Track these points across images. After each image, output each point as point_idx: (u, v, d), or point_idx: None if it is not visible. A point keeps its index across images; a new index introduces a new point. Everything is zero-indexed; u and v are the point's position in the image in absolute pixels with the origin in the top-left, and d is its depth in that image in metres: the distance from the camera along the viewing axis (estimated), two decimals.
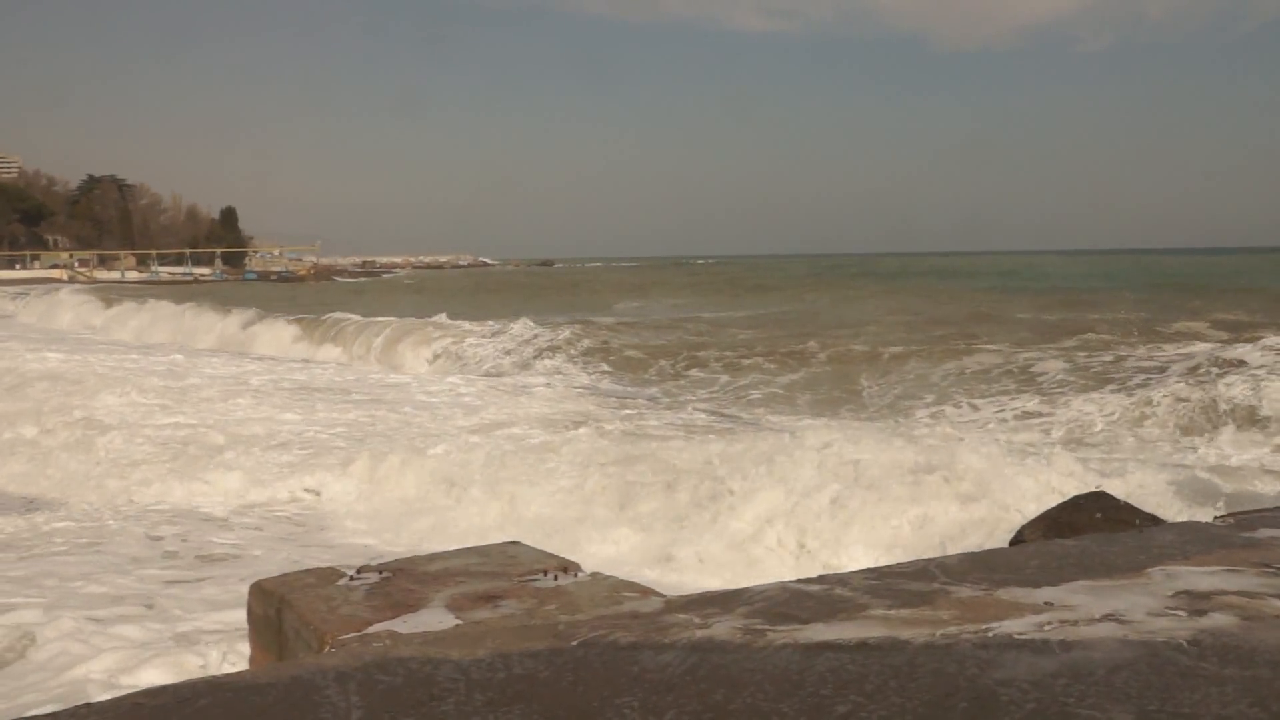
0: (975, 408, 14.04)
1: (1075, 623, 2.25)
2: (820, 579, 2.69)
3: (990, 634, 2.19)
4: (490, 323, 24.94)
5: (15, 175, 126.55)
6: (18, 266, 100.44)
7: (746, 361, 19.08)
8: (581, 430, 11.75)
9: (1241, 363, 14.26)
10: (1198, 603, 2.39)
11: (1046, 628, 2.22)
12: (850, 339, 21.46)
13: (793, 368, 18.34)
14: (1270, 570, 2.64)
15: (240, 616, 3.35)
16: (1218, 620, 2.26)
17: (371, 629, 2.36)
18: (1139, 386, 14.14)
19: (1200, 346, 17.52)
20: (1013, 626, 2.23)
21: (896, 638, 2.18)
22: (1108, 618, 2.28)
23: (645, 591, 2.73)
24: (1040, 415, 13.34)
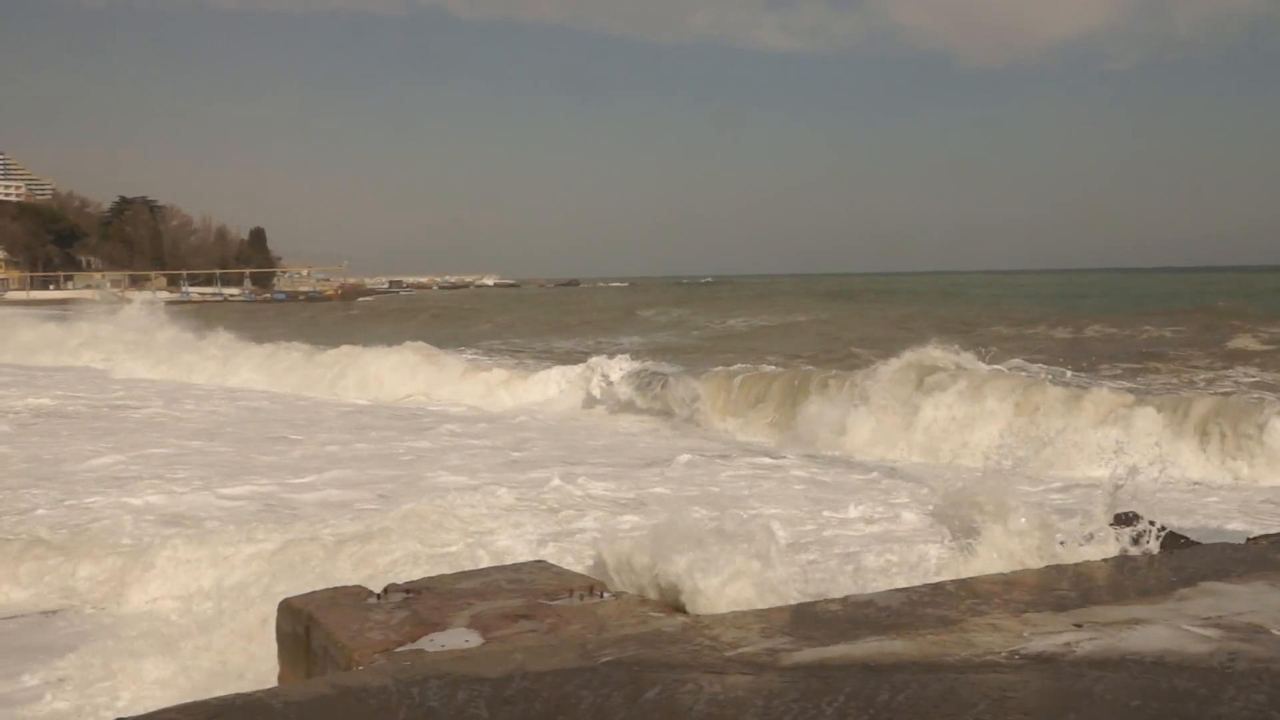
0: None
1: (1104, 642, 2.22)
2: (844, 599, 2.68)
3: (1017, 654, 2.17)
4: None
5: (49, 197, 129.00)
6: (51, 287, 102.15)
7: None
8: None
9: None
10: (1239, 621, 2.35)
11: (1075, 647, 2.20)
12: None
13: None
14: None
15: None
16: (1251, 644, 2.23)
17: (399, 648, 2.37)
18: None
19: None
20: (1040, 645, 2.21)
21: (921, 657, 2.16)
22: (1139, 638, 2.25)
23: (670, 611, 2.73)
24: None
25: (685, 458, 10.26)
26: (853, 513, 7.57)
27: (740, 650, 2.24)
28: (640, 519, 6.89)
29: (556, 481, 8.53)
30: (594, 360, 16.44)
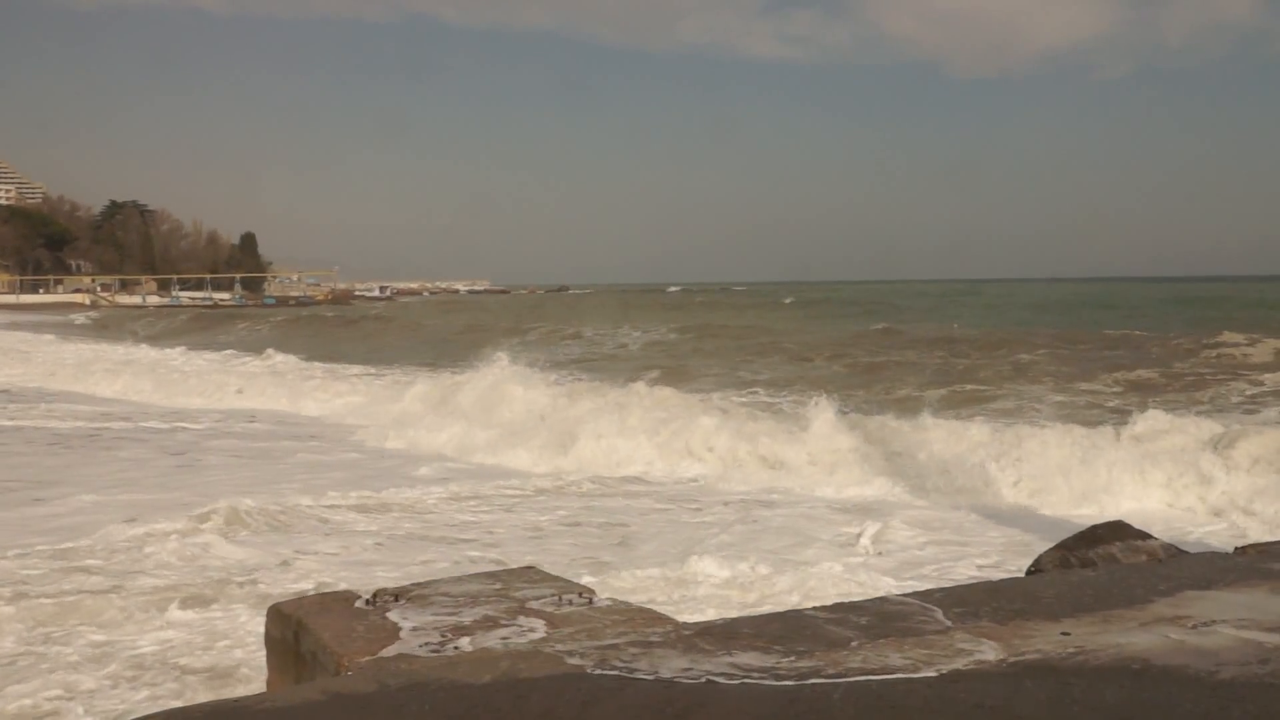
0: None
1: (1093, 652, 2.23)
2: (833, 607, 2.69)
3: (1008, 664, 2.18)
4: None
5: (40, 201, 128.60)
6: (41, 291, 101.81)
7: None
8: None
9: None
10: (1227, 630, 2.37)
11: (1064, 654, 2.21)
12: None
13: None
14: None
15: None
16: (1238, 654, 2.24)
17: (387, 652, 2.37)
18: None
19: None
20: (1029, 653, 2.21)
21: (912, 665, 2.17)
22: (1124, 649, 2.27)
23: (661, 619, 2.73)
24: None
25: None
26: None
27: (731, 658, 2.24)
28: None
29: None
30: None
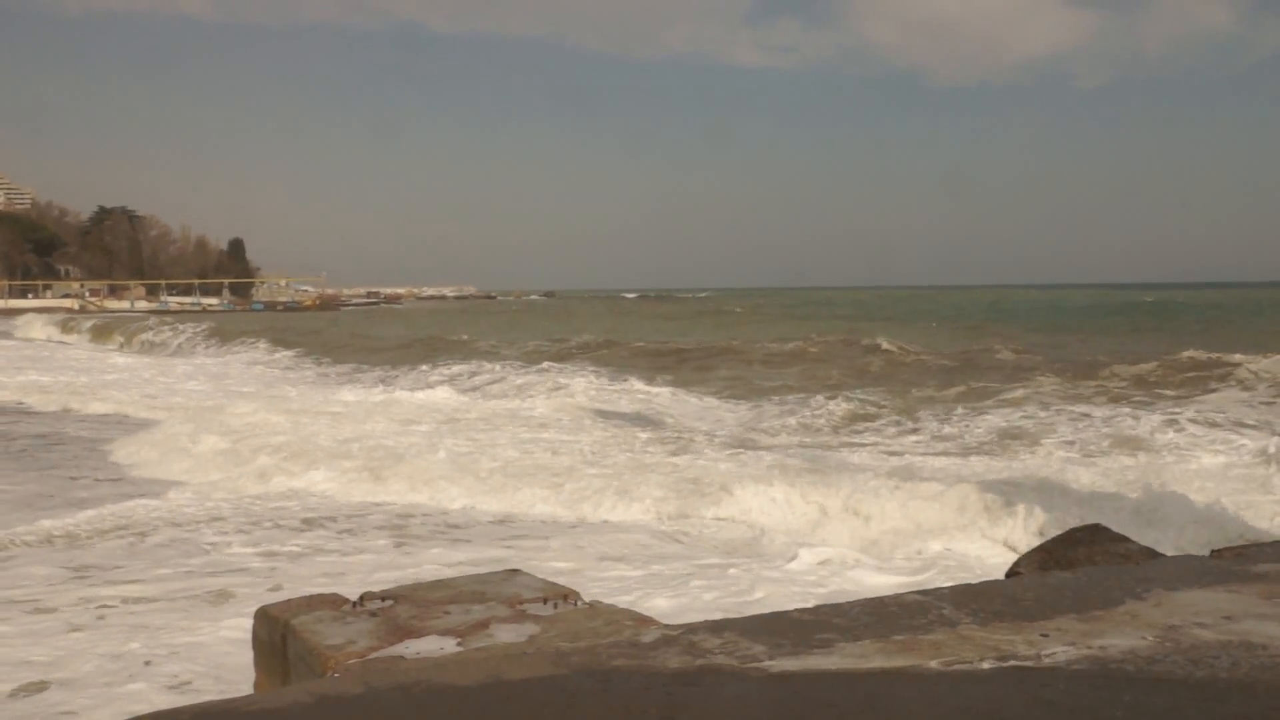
0: None
1: (1072, 653, 2.26)
2: (816, 609, 2.71)
3: (985, 665, 2.20)
4: None
5: (28, 206, 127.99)
6: (30, 296, 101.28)
7: None
8: None
9: None
10: (1204, 631, 2.40)
11: (1044, 656, 2.24)
12: None
13: None
14: (1274, 602, 2.65)
15: None
16: (1216, 654, 2.27)
17: (374, 655, 2.39)
18: None
19: None
20: (1009, 654, 2.24)
21: (893, 666, 2.19)
22: (1102, 650, 2.30)
23: (644, 620, 2.75)
24: None
25: None
26: None
27: (716, 659, 2.26)
28: None
29: None
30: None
